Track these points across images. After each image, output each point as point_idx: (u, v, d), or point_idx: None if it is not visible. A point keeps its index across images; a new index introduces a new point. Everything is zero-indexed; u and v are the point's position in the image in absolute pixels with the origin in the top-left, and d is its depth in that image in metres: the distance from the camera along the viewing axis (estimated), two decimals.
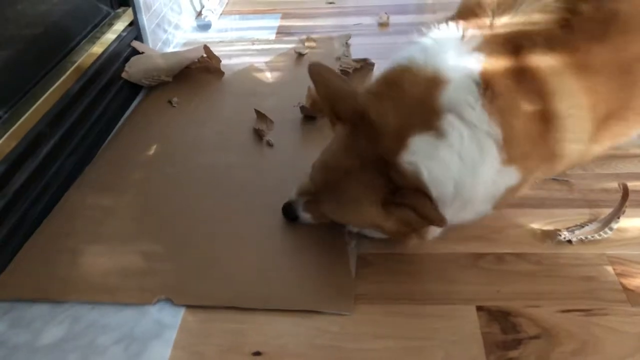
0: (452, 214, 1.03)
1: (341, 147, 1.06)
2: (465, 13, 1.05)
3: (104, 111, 1.65)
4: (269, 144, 1.55)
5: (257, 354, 0.99)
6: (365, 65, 1.90)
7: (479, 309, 1.05)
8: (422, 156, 0.95)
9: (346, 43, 2.12)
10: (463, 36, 1.00)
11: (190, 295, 1.10)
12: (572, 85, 0.96)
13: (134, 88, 1.84)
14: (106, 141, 1.61)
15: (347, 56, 1.99)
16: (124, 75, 1.78)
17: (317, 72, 1.08)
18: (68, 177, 1.42)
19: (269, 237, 1.24)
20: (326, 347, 1.00)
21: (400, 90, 0.99)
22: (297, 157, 1.47)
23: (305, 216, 1.21)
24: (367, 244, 1.20)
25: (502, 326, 1.01)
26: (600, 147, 1.11)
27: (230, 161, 1.49)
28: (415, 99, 0.97)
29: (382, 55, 1.92)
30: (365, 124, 1.00)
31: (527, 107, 0.95)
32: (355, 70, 1.88)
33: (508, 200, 1.11)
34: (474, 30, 1.00)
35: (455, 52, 0.98)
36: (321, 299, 1.08)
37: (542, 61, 0.95)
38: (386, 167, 0.98)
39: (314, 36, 2.19)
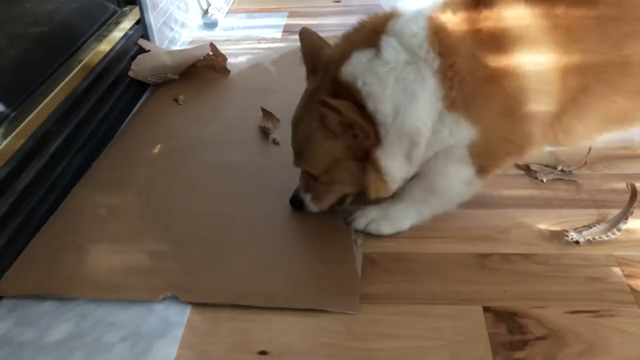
0: (429, 179, 1.13)
1: (303, 97, 1.13)
2: None
3: (111, 109, 1.66)
4: (275, 142, 1.55)
5: (263, 353, 0.99)
6: None
7: (486, 309, 1.05)
8: (359, 68, 1.00)
9: None
10: None
11: (196, 292, 1.10)
12: (542, 39, 0.97)
13: (140, 86, 1.84)
14: (112, 139, 1.61)
15: None
16: (130, 73, 1.78)
17: (305, 33, 1.16)
18: (75, 176, 1.43)
19: (274, 236, 1.24)
20: (332, 346, 0.99)
21: (360, 28, 1.07)
22: None
23: (306, 198, 1.22)
24: (372, 244, 1.20)
25: (509, 327, 1.01)
26: (584, 128, 1.10)
27: (235, 159, 1.49)
28: (369, 30, 1.04)
29: None
30: (324, 65, 1.07)
31: (478, 46, 0.97)
32: None
33: (486, 168, 1.11)
34: None
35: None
36: (327, 297, 1.08)
37: (510, 8, 0.97)
38: (333, 90, 1.03)
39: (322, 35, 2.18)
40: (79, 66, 1.53)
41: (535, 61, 0.98)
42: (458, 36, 0.98)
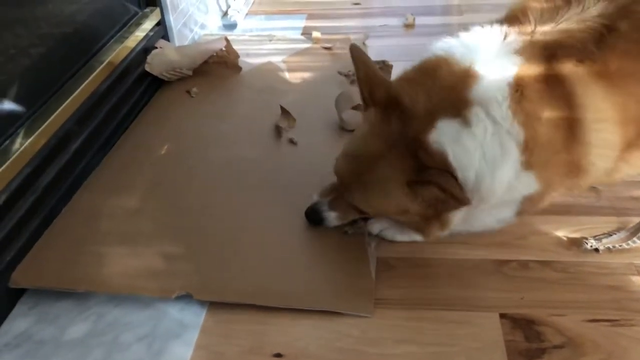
0: (471, 213, 1.06)
1: (369, 133, 1.08)
2: (510, 18, 1.06)
3: (132, 109, 1.68)
4: (293, 142, 1.54)
5: (278, 355, 0.99)
6: (384, 66, 1.88)
7: (502, 316, 1.04)
8: (448, 138, 0.97)
9: (363, 43, 2.11)
10: (505, 38, 1.01)
11: (210, 290, 1.10)
12: (602, 99, 0.96)
13: (160, 86, 1.86)
14: (123, 134, 1.61)
15: None
16: (146, 67, 1.78)
17: (357, 54, 1.09)
18: None
19: (287, 237, 1.23)
20: (347, 350, 0.99)
21: (434, 78, 1.01)
22: (317, 154, 1.47)
23: (331, 216, 1.19)
24: (389, 248, 1.20)
25: (526, 334, 1.00)
26: (632, 169, 1.08)
27: (249, 157, 1.49)
28: (447, 87, 0.99)
29: (404, 56, 1.91)
30: (397, 108, 1.02)
31: (554, 115, 0.95)
32: None
33: (527, 211, 1.10)
34: (515, 34, 1.01)
35: (494, 52, 1.00)
36: (341, 299, 1.08)
37: (573, 72, 0.95)
38: (414, 148, 1.00)
39: (335, 36, 2.18)
40: (101, 66, 1.54)
41: (603, 127, 0.98)
42: (539, 104, 0.95)
